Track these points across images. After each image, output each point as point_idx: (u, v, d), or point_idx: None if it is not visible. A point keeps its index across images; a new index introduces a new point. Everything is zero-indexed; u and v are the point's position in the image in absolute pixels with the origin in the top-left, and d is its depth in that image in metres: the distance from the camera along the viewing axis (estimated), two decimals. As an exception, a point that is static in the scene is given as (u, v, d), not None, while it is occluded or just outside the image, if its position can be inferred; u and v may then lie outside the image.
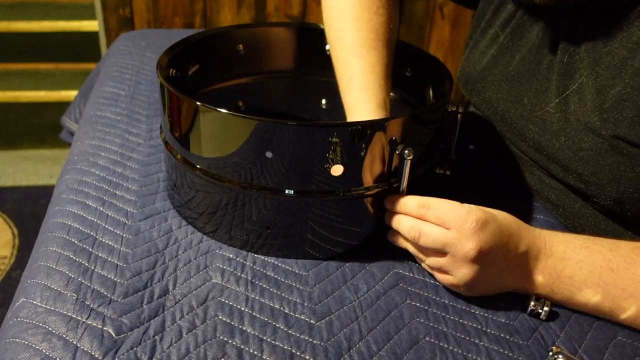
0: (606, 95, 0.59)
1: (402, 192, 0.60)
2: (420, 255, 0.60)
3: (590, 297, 0.56)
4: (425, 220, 0.57)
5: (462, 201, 0.57)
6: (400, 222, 0.59)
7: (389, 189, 0.60)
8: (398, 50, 0.79)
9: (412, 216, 0.58)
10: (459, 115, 0.67)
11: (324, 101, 0.86)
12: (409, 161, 0.57)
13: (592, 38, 0.62)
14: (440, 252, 0.56)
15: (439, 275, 0.59)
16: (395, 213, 0.60)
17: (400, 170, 0.59)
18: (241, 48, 0.82)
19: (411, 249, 0.61)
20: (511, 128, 0.73)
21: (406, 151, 0.57)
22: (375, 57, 0.69)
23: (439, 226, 0.56)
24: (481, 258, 0.54)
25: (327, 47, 0.82)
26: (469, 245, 0.53)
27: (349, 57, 0.70)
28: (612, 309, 0.56)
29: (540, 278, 0.57)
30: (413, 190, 0.62)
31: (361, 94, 0.67)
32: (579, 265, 0.56)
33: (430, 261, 0.58)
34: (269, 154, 0.56)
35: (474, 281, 0.55)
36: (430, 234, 0.56)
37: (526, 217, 0.72)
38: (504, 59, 0.74)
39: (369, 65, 0.68)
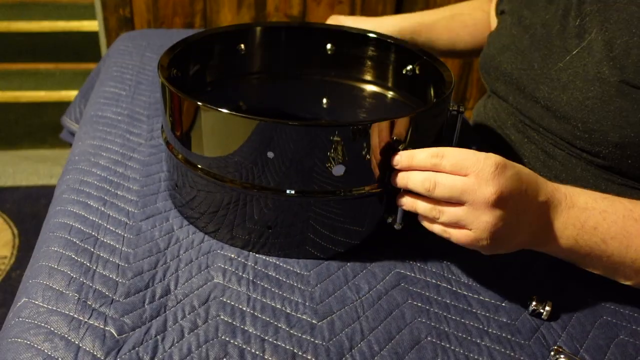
0: (613, 45, 0.63)
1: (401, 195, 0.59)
2: (434, 213, 0.55)
3: (614, 248, 0.55)
4: (439, 171, 0.54)
5: None
6: (410, 177, 0.56)
7: (391, 189, 0.60)
8: (401, 51, 0.79)
9: (425, 169, 0.55)
10: (460, 115, 0.67)
11: (324, 100, 0.86)
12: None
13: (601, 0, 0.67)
14: (458, 203, 0.53)
15: (456, 234, 0.55)
16: (402, 171, 0.57)
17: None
18: (242, 48, 0.82)
19: (422, 208, 0.56)
20: (524, 93, 0.75)
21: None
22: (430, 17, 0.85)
23: (456, 175, 0.53)
24: (502, 203, 0.51)
25: (329, 46, 0.83)
26: (489, 190, 0.51)
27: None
28: (633, 260, 0.55)
29: (563, 229, 0.56)
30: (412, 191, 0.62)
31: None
32: (603, 215, 0.55)
33: (446, 216, 0.54)
34: (270, 154, 0.56)
35: (494, 231, 0.52)
36: (447, 182, 0.53)
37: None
38: (520, 35, 0.78)
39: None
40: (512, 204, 0.52)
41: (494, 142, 0.85)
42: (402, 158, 0.57)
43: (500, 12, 0.89)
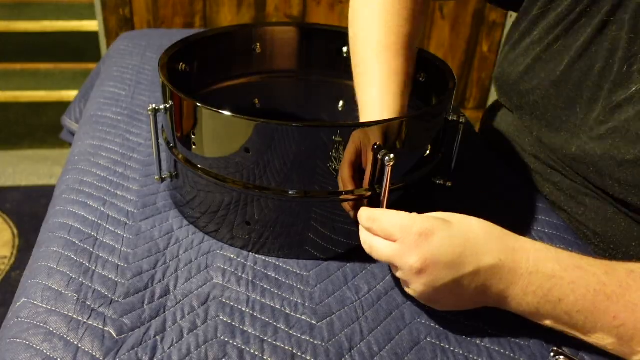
0: None
1: (382, 198, 0.58)
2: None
3: (578, 320, 0.51)
4: (374, 234, 0.55)
5: (460, 212, 0.54)
6: (360, 233, 0.57)
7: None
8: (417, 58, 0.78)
9: (365, 229, 0.56)
10: (461, 125, 0.65)
11: (340, 103, 0.86)
12: (389, 167, 0.56)
13: None
14: (394, 266, 0.53)
15: (405, 288, 0.55)
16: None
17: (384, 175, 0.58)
18: (258, 47, 0.82)
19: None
20: (557, 134, 0.70)
21: (387, 158, 0.55)
22: (399, 64, 0.67)
23: (386, 239, 0.53)
24: (428, 271, 0.50)
25: (345, 48, 0.82)
26: (413, 258, 0.50)
27: (373, 59, 0.67)
28: (599, 338, 0.51)
29: (523, 295, 0.51)
30: (408, 198, 0.62)
31: (380, 99, 0.64)
32: (571, 287, 0.50)
33: (395, 273, 0.55)
34: (269, 155, 0.56)
35: (430, 295, 0.52)
36: (379, 249, 0.54)
37: (527, 222, 0.72)
38: (552, 62, 0.71)
39: (393, 73, 0.66)
40: (440, 269, 0.50)
41: (509, 159, 0.80)
42: (354, 214, 0.59)
43: None
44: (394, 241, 0.52)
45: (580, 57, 0.67)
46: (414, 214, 0.53)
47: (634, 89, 0.60)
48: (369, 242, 0.55)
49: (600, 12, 0.64)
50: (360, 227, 0.57)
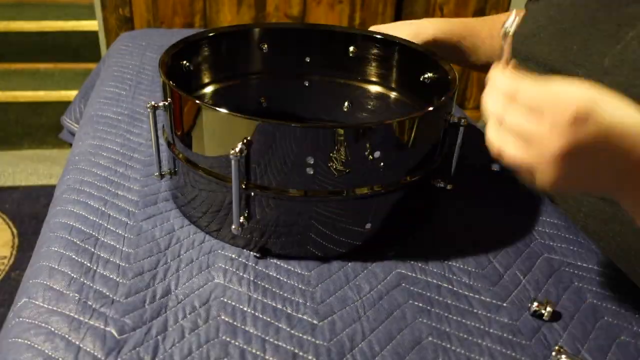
0: None
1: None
2: (498, 145, 0.48)
3: None
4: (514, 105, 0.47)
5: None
6: (488, 98, 0.49)
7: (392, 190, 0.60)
8: (416, 57, 0.78)
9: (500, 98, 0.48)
10: (461, 128, 0.65)
11: (345, 103, 0.86)
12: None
13: None
14: (525, 142, 0.46)
15: (521, 171, 0.47)
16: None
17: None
18: (265, 47, 0.82)
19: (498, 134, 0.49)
20: (558, 74, 0.69)
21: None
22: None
23: (531, 110, 0.45)
24: (570, 161, 0.44)
25: (352, 48, 0.82)
26: (557, 144, 0.43)
27: None
28: None
29: None
30: (407, 201, 0.62)
31: None
32: None
33: (507, 155, 0.47)
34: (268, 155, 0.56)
35: (556, 184, 0.45)
36: (515, 124, 0.46)
37: (527, 222, 0.72)
38: (559, 17, 0.73)
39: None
40: (585, 163, 0.45)
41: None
42: (488, 78, 0.51)
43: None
44: (539, 118, 0.44)
45: (585, 6, 0.69)
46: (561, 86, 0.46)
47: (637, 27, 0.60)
48: (502, 115, 0.47)
49: None
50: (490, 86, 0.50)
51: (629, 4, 0.63)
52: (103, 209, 0.67)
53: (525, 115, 0.45)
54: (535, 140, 0.45)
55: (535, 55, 0.76)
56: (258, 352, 0.51)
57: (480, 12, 2.02)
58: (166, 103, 0.62)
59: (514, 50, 0.80)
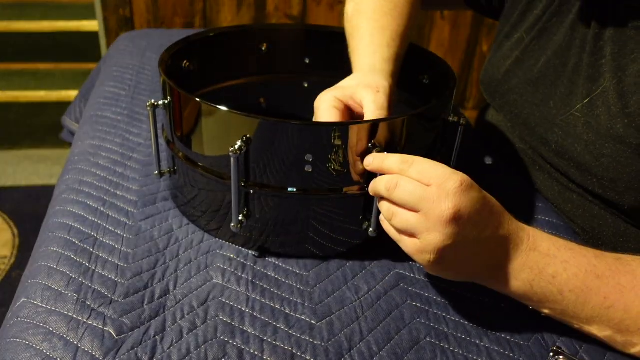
0: (629, 102, 0.58)
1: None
2: (389, 214, 0.54)
3: (569, 302, 0.52)
4: (405, 176, 0.52)
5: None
6: (377, 179, 0.55)
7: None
8: (414, 55, 0.77)
9: (392, 172, 0.53)
10: (460, 127, 0.65)
11: None
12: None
13: (618, 42, 0.61)
14: (414, 209, 0.51)
15: (405, 239, 0.53)
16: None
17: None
18: (264, 47, 0.82)
19: (382, 207, 0.55)
20: (534, 132, 0.72)
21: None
22: (387, 21, 0.68)
23: (419, 182, 0.51)
24: (456, 222, 0.49)
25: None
26: (447, 205, 0.48)
27: (362, 22, 0.69)
28: (588, 319, 0.52)
29: (520, 270, 0.52)
30: None
31: (366, 50, 0.66)
32: (564, 265, 0.52)
33: (399, 219, 0.52)
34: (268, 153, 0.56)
35: (441, 248, 0.50)
36: (408, 187, 0.51)
37: (527, 222, 0.72)
38: (529, 61, 0.73)
39: (380, 28, 0.67)
40: (467, 227, 0.50)
41: (504, 154, 0.82)
42: (373, 160, 0.55)
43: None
44: (428, 185, 0.50)
45: (555, 55, 0.69)
46: (448, 167, 0.52)
47: (603, 85, 0.62)
48: (396, 180, 0.52)
49: (572, 11, 0.67)
50: (380, 172, 0.55)
51: (597, 58, 0.63)
52: (102, 209, 0.67)
53: (415, 184, 0.51)
54: (426, 202, 0.50)
55: (509, 105, 0.77)
56: (256, 353, 0.51)
57: (480, 12, 2.01)
58: (166, 102, 0.62)
59: (488, 92, 0.82)
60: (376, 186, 0.55)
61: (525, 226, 0.55)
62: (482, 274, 0.54)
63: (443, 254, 0.50)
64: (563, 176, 0.70)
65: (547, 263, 0.52)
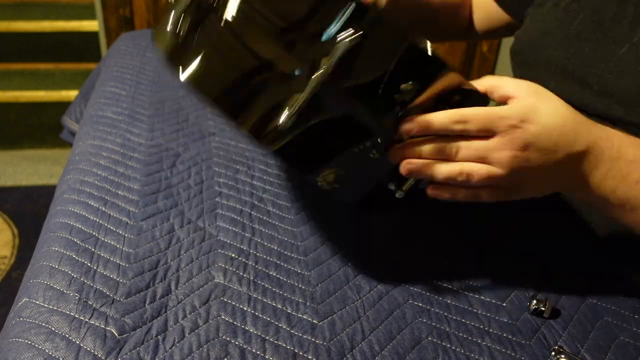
0: None
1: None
2: (454, 149, 0.52)
3: None
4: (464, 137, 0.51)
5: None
6: (424, 145, 0.52)
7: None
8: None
9: (446, 133, 0.51)
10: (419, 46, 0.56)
11: None
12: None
13: None
14: (487, 133, 0.50)
15: (475, 167, 0.51)
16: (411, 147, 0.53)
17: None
18: None
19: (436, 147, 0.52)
20: (573, 77, 0.71)
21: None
22: None
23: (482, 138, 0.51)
24: (531, 149, 0.50)
25: None
26: (512, 152, 0.50)
27: None
28: None
29: (602, 179, 0.53)
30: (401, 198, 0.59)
31: None
32: None
33: (466, 150, 0.51)
34: None
35: (519, 168, 0.50)
36: (472, 145, 0.51)
37: (527, 223, 0.72)
38: (567, 20, 0.73)
39: None
40: (537, 156, 0.50)
41: None
42: (414, 125, 0.52)
43: None
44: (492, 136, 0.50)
45: (593, 12, 0.69)
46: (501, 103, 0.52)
47: None
48: (455, 144, 0.51)
49: None
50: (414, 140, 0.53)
51: (637, 5, 0.64)
52: (103, 208, 0.67)
53: (473, 140, 0.51)
54: (493, 152, 0.50)
55: (546, 59, 0.76)
56: (258, 352, 0.51)
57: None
58: None
59: (520, 56, 0.80)
60: (427, 153, 0.52)
61: (610, 132, 0.54)
62: (564, 186, 0.55)
63: (519, 172, 0.51)
64: (602, 118, 0.70)
65: (631, 169, 0.52)
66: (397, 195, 0.57)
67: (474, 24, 0.95)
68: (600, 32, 0.69)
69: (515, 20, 0.88)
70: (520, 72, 0.82)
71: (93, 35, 2.05)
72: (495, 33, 0.93)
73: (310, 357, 0.51)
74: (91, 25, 2.06)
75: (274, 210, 0.69)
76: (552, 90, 0.74)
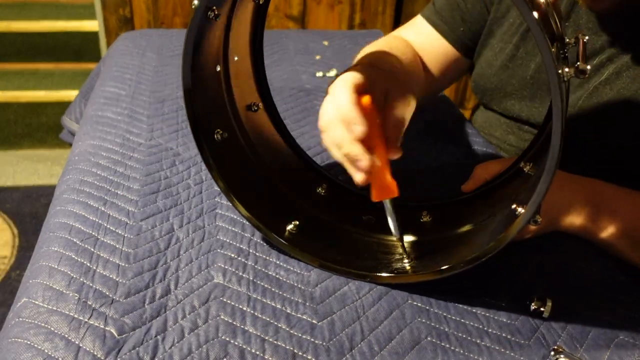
0: None
1: None
2: None
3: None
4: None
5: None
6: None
7: None
8: None
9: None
10: None
11: None
12: None
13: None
14: None
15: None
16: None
17: None
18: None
19: None
20: (534, 106, 0.77)
21: None
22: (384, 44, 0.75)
23: None
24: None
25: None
26: None
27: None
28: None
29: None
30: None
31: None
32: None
33: None
34: None
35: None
36: None
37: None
38: (520, 68, 0.77)
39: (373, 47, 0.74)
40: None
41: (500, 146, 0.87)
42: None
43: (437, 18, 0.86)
44: None
45: (538, 69, 0.76)
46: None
47: (606, 72, 0.69)
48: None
49: None
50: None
51: (592, 55, 0.70)
52: (103, 208, 0.67)
53: None
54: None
55: (508, 109, 0.82)
56: (257, 352, 0.51)
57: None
58: None
59: (490, 101, 0.86)
60: None
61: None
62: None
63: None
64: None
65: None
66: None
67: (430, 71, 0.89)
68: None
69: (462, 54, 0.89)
70: (488, 107, 0.88)
71: (93, 35, 2.05)
72: (450, 72, 0.91)
73: (309, 357, 0.51)
74: (91, 25, 2.06)
75: (273, 210, 0.69)
76: (515, 112, 0.82)
